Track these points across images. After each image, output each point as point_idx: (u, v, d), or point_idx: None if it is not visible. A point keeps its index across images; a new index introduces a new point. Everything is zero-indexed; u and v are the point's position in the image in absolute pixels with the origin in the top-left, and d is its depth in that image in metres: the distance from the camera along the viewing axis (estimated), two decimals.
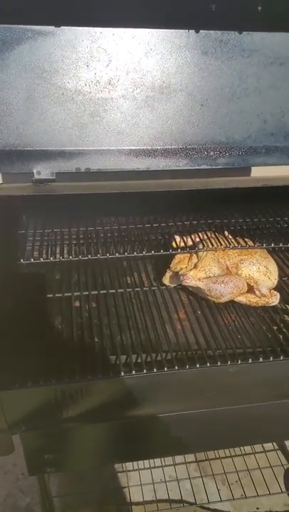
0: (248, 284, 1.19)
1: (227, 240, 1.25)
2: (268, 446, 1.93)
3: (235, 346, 1.08)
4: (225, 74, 1.11)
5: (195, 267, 1.20)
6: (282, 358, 1.01)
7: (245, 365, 0.99)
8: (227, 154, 1.17)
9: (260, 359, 1.00)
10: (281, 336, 1.11)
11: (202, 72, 1.10)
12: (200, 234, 1.30)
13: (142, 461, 1.82)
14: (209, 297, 1.19)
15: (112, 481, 1.81)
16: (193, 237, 1.31)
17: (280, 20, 1.08)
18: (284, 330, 1.13)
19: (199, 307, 1.24)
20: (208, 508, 1.77)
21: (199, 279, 1.17)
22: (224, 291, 1.15)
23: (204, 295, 1.20)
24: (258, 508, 1.78)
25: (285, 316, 1.24)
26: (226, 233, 1.32)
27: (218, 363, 0.99)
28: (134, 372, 0.93)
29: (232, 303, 1.24)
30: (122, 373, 0.92)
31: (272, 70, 1.13)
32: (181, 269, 1.22)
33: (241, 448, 1.90)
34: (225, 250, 1.20)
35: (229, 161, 1.17)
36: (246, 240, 1.28)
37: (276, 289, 1.26)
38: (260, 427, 1.21)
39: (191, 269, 1.19)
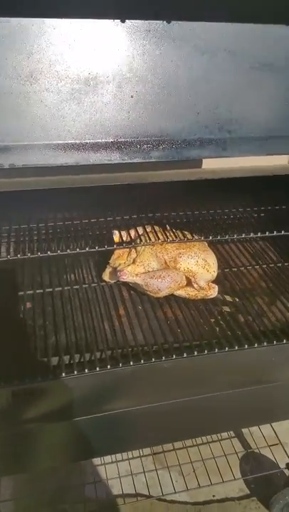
0: (187, 278, 1.19)
1: (166, 234, 1.23)
2: (224, 434, 1.96)
3: (172, 341, 1.07)
4: (154, 65, 1.08)
5: (133, 262, 1.18)
6: (216, 351, 1.02)
7: (179, 360, 0.98)
8: (161, 147, 1.14)
9: (195, 353, 1.00)
10: (217, 329, 1.11)
11: (130, 64, 1.07)
12: (140, 228, 1.29)
13: (95, 458, 1.80)
14: (148, 292, 1.17)
15: (67, 479, 1.79)
16: (133, 231, 1.29)
17: (210, 9, 1.06)
18: (221, 322, 1.14)
19: (140, 302, 1.23)
20: (164, 500, 1.78)
21: (136, 275, 1.15)
22: (161, 285, 1.14)
23: (143, 290, 1.18)
24: (214, 496, 1.81)
25: (224, 307, 1.25)
26: (167, 227, 1.31)
27: (153, 359, 0.98)
28: (64, 374, 0.91)
29: (173, 296, 1.24)
30: (51, 376, 0.90)
31: (203, 60, 1.11)
32: (120, 264, 1.20)
33: (197, 439, 1.93)
34: (162, 244, 1.19)
35: (163, 154, 1.15)
36: (186, 233, 1.27)
37: (216, 281, 1.26)
38: (200, 420, 1.22)
39: (129, 265, 1.17)
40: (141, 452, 1.87)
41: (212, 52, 1.12)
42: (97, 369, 0.93)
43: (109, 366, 0.94)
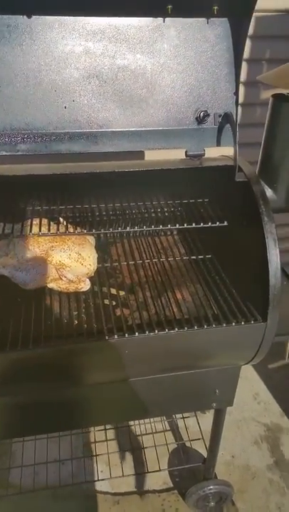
0: (57, 271, 1.20)
1: (48, 227, 1.24)
2: (159, 427, 1.97)
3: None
4: (16, 59, 1.10)
5: (6, 254, 1.21)
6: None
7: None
8: (29, 140, 1.16)
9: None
10: (76, 322, 1.13)
11: None
12: (29, 220, 1.30)
13: (27, 443, 1.85)
14: (19, 284, 1.20)
15: None
16: (26, 223, 1.30)
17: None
18: (83, 315, 1.15)
19: (21, 295, 1.25)
20: (86, 489, 1.82)
21: (3, 266, 1.18)
22: (26, 278, 1.16)
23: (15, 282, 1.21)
24: (136, 487, 1.83)
25: (105, 300, 1.26)
26: (61, 220, 1.32)
27: None
28: None
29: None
30: None
31: (63, 55, 1.12)
32: None
33: (132, 430, 1.95)
34: (35, 237, 1.21)
35: (31, 147, 1.16)
36: (73, 227, 1.28)
37: (108, 274, 1.27)
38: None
39: (1, 257, 1.20)
40: (72, 442, 1.90)
41: (71, 47, 1.12)
42: None
43: None
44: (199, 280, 1.35)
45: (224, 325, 1.09)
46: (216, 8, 1.09)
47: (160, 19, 1.14)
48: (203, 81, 1.21)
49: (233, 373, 1.30)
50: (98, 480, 1.79)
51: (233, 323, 1.10)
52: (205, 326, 1.09)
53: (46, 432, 1.69)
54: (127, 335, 1.06)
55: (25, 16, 1.07)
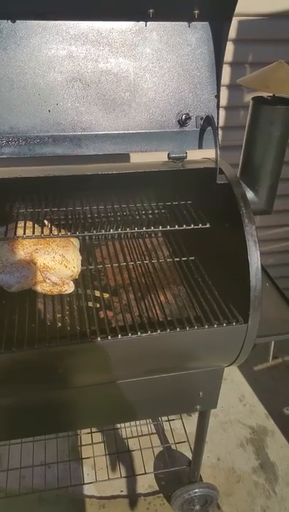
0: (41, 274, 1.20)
1: (33, 230, 1.24)
2: (144, 431, 1.97)
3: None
4: (1, 63, 1.10)
5: None
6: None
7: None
8: (13, 144, 1.16)
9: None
10: (60, 324, 1.13)
11: None
12: (14, 223, 1.29)
13: (13, 446, 1.84)
14: (3, 287, 1.20)
15: None
16: (10, 226, 1.30)
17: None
18: (66, 318, 1.15)
19: (5, 297, 1.25)
20: (72, 493, 1.81)
21: None
22: (11, 281, 1.16)
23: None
24: (121, 491, 1.82)
25: (89, 302, 1.26)
26: (45, 222, 1.32)
27: None
28: None
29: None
30: None
31: (47, 59, 1.13)
32: None
33: (118, 434, 1.95)
34: (20, 240, 1.21)
35: (15, 150, 1.17)
36: (57, 229, 1.29)
37: (91, 276, 1.27)
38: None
39: None
40: (58, 445, 1.89)
41: (56, 51, 1.13)
42: None
43: None
44: (182, 282, 1.36)
45: (206, 327, 1.10)
46: (196, 12, 1.11)
47: (142, 23, 1.16)
48: (185, 84, 1.22)
49: (216, 375, 1.31)
50: (84, 484, 1.78)
51: (215, 325, 1.10)
52: (187, 328, 1.10)
53: (32, 435, 1.68)
54: (110, 337, 1.07)
55: (9, 21, 1.07)
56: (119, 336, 1.07)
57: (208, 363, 1.25)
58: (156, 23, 1.16)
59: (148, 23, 1.15)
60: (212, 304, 1.19)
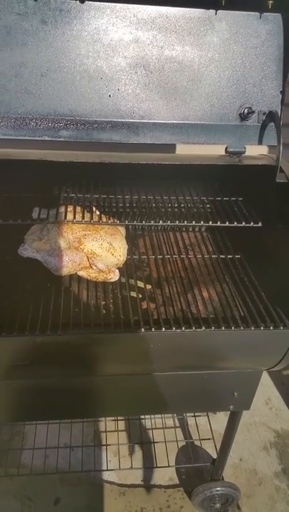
0: (89, 260, 1.20)
1: (83, 215, 1.24)
2: (169, 423, 1.97)
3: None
4: (66, 44, 1.09)
5: (40, 239, 1.21)
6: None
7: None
8: (71, 127, 1.15)
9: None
10: (105, 311, 1.13)
11: (40, 42, 1.08)
12: (64, 207, 1.29)
13: (40, 426, 1.88)
14: (50, 269, 1.20)
15: (8, 443, 1.88)
16: (61, 209, 1.30)
17: None
18: (111, 306, 1.15)
19: (50, 279, 1.26)
20: (93, 477, 1.83)
21: (38, 251, 1.18)
22: (58, 264, 1.16)
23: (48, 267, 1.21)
24: (142, 481, 1.83)
25: (132, 292, 1.25)
26: (94, 208, 1.32)
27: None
28: None
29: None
30: None
31: (112, 43, 1.11)
32: (31, 240, 1.23)
33: (143, 423, 1.95)
34: (69, 224, 1.21)
35: (72, 134, 1.15)
36: (107, 216, 1.28)
37: (136, 266, 1.26)
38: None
39: (34, 241, 1.20)
40: (83, 429, 1.91)
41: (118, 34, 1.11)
42: None
43: None
44: (226, 280, 1.33)
45: (252, 328, 1.08)
46: (271, 2, 1.07)
47: (212, 11, 1.12)
48: (249, 77, 1.18)
49: (253, 377, 1.29)
50: (107, 470, 1.80)
51: (262, 327, 1.08)
52: (233, 328, 1.07)
53: (62, 418, 1.71)
54: (153, 329, 1.06)
55: (78, 1, 1.06)
56: (163, 328, 1.06)
57: (248, 364, 1.22)
58: (226, 11, 1.12)
59: (218, 11, 1.11)
60: (258, 305, 1.16)
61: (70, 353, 1.09)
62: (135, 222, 1.25)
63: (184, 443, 1.92)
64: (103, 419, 1.96)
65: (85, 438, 1.90)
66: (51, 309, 1.09)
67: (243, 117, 1.19)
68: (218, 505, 1.71)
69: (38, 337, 1.02)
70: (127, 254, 1.33)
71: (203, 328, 1.07)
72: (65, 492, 1.78)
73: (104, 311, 1.14)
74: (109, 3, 1.08)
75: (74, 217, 1.20)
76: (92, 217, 1.21)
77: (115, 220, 1.24)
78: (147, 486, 1.80)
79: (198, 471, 1.83)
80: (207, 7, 1.11)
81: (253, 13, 1.13)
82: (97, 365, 1.15)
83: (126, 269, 1.32)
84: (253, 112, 1.17)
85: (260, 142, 1.21)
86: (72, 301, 1.15)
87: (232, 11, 1.12)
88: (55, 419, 1.68)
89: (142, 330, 1.05)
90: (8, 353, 1.04)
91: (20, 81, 1.10)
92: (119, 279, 1.26)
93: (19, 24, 1.07)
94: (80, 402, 1.34)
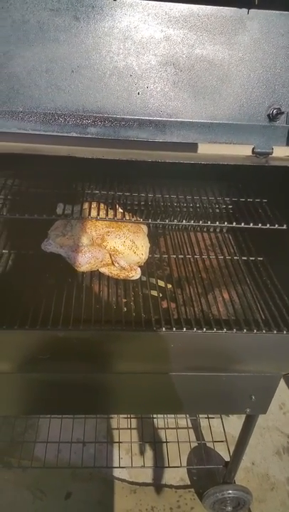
0: (111, 257, 1.20)
1: (106, 212, 1.24)
2: (182, 423, 1.97)
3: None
4: (97, 41, 1.09)
5: (64, 234, 1.22)
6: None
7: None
8: (99, 124, 1.15)
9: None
10: (126, 309, 1.13)
11: (71, 38, 1.09)
12: (88, 204, 1.29)
13: (54, 420, 1.89)
14: (72, 265, 1.21)
15: (22, 435, 1.90)
16: (85, 205, 1.30)
17: None
18: (132, 304, 1.15)
19: (70, 275, 1.26)
20: (105, 473, 1.83)
21: (61, 247, 1.18)
22: (81, 260, 1.17)
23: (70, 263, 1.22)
24: (153, 480, 1.83)
25: (153, 291, 1.25)
26: (116, 206, 1.32)
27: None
28: None
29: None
30: None
31: (143, 40, 1.10)
32: (54, 235, 1.24)
33: (155, 423, 1.95)
34: (93, 221, 1.21)
35: (100, 131, 1.16)
36: (134, 215, 1.28)
37: (157, 265, 1.26)
38: None
39: (58, 236, 1.21)
40: (97, 425, 1.92)
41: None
42: None
43: None
44: (248, 282, 1.32)
45: (275, 332, 1.06)
46: None
47: (244, 10, 1.11)
48: (280, 77, 1.17)
49: (272, 381, 1.28)
50: (119, 467, 1.80)
51: (284, 331, 1.06)
52: (255, 331, 1.06)
53: (76, 414, 1.72)
54: (174, 329, 1.05)
55: None
56: (184, 329, 1.06)
57: (268, 368, 1.21)
58: (258, 11, 1.11)
59: (251, 10, 1.10)
60: (281, 309, 1.15)
61: (90, 349, 1.09)
62: (158, 221, 1.24)
63: (197, 444, 1.91)
64: (116, 416, 1.97)
65: (98, 434, 1.91)
66: (73, 305, 1.09)
67: (272, 118, 1.17)
68: (229, 509, 1.70)
69: (60, 332, 1.02)
70: (148, 253, 1.33)
71: (225, 329, 1.06)
72: (77, 487, 1.79)
73: (125, 309, 1.14)
74: (141, 1, 1.07)
75: (98, 214, 1.20)
76: (115, 215, 1.21)
77: (138, 218, 1.23)
78: (158, 485, 1.80)
79: (210, 472, 1.82)
80: (240, 6, 1.10)
81: (286, 12, 1.11)
82: (115, 362, 1.15)
83: (147, 268, 1.31)
84: (282, 112, 1.15)
85: (288, 143, 1.19)
86: (94, 298, 1.15)
87: (264, 10, 1.10)
88: (69, 414, 1.69)
89: (163, 329, 1.05)
90: (31, 347, 1.05)
91: (51, 77, 1.10)
92: (140, 277, 1.26)
93: (52, 20, 1.07)
94: (95, 399, 1.34)
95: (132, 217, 1.25)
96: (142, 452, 1.87)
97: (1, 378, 1.19)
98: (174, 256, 1.40)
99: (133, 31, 1.10)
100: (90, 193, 1.37)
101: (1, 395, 1.26)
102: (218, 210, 1.42)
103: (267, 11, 1.11)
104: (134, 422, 1.96)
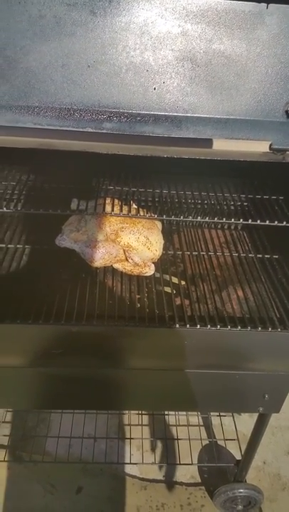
0: (125, 253, 1.20)
1: (121, 208, 1.24)
2: (193, 421, 1.96)
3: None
4: (114, 36, 1.09)
5: (78, 229, 1.22)
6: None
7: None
8: (114, 119, 1.15)
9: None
10: (139, 305, 1.12)
11: (88, 33, 1.08)
12: (102, 199, 1.29)
13: (65, 415, 1.90)
14: (86, 260, 1.21)
15: (34, 430, 1.91)
16: (99, 201, 1.30)
17: None
18: (145, 300, 1.14)
19: (84, 270, 1.27)
20: (116, 469, 1.84)
21: (75, 242, 1.19)
22: (95, 255, 1.17)
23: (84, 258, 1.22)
24: (164, 477, 1.83)
25: (166, 287, 1.25)
26: (131, 202, 1.32)
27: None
28: None
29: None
30: None
31: (160, 35, 1.10)
32: (68, 230, 1.24)
33: (167, 419, 1.95)
34: (107, 216, 1.21)
35: (115, 126, 1.15)
36: (149, 211, 1.28)
37: (171, 262, 1.26)
38: None
39: (72, 232, 1.21)
40: (108, 421, 1.92)
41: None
42: None
43: None
44: (263, 280, 1.31)
45: None
46: None
47: (263, 5, 1.09)
48: None
49: (287, 380, 1.26)
50: (129, 463, 1.80)
51: None
52: (270, 329, 1.05)
53: (88, 409, 1.73)
54: (188, 326, 1.05)
55: None
56: (198, 326, 1.05)
57: (282, 367, 1.20)
58: (278, 5, 1.09)
59: (270, 5, 1.08)
60: None
61: (103, 345, 1.10)
62: (173, 217, 1.24)
63: (208, 442, 1.90)
64: (127, 412, 1.97)
65: (109, 430, 1.91)
66: (87, 300, 1.10)
67: None
68: (240, 507, 1.70)
69: (73, 326, 1.03)
70: (162, 249, 1.32)
71: (239, 327, 1.05)
72: (88, 482, 1.80)
73: (138, 305, 1.14)
74: None
75: (112, 210, 1.20)
76: (129, 211, 1.21)
77: (152, 214, 1.23)
78: (169, 482, 1.80)
79: (221, 471, 1.82)
80: (258, 0, 1.08)
81: None
82: (128, 358, 1.15)
83: (160, 264, 1.31)
84: None
85: None
86: (107, 293, 1.15)
87: (284, 5, 1.09)
88: (81, 409, 1.70)
89: (177, 326, 1.05)
90: (44, 341, 1.05)
91: (67, 71, 1.10)
92: (154, 273, 1.26)
93: (68, 14, 1.07)
94: (107, 394, 1.34)
95: (147, 213, 1.25)
96: (152, 449, 1.87)
97: (14, 372, 1.20)
98: (188, 253, 1.40)
99: (150, 26, 1.09)
100: (104, 189, 1.37)
101: (14, 389, 1.27)
102: (233, 207, 1.41)
103: (287, 5, 1.09)
104: (145, 419, 1.96)
